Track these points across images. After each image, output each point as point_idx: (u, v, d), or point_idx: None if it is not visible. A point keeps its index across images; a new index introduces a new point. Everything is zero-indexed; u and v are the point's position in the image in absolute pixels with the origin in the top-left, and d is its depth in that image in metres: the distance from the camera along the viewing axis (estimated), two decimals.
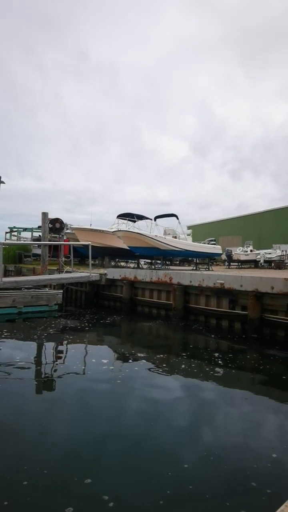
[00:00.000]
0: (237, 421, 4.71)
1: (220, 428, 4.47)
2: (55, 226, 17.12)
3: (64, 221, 18.07)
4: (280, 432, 4.40)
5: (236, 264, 23.98)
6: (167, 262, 18.29)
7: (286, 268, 21.73)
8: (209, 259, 18.53)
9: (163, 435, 4.15)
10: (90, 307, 14.03)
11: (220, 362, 7.18)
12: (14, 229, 27.27)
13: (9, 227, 27.35)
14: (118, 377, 6.18)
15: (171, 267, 18.01)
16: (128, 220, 16.66)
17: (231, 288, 10.06)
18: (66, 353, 8.13)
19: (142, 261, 18.90)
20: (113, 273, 13.84)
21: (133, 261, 19.57)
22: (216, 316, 10.61)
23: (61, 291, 13.84)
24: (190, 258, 20.19)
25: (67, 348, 8.51)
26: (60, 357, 7.80)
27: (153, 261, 17.81)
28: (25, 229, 27.53)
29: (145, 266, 17.70)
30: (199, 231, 42.92)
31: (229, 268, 22.00)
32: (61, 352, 8.29)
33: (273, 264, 22.86)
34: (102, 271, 14.68)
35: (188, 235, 18.48)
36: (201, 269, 17.48)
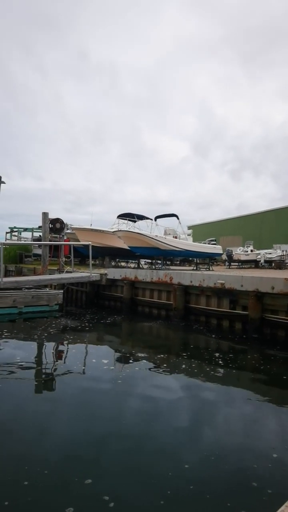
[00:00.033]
0: (237, 421, 4.70)
1: (221, 428, 4.47)
2: (56, 226, 17.14)
3: (65, 221, 18.10)
4: (281, 432, 4.40)
5: (237, 264, 23.97)
6: (167, 262, 18.29)
7: (286, 268, 21.72)
8: (209, 259, 18.53)
9: (164, 435, 4.15)
10: (90, 307, 14.03)
11: (220, 362, 7.17)
12: (15, 229, 27.28)
13: (9, 227, 27.39)
14: (119, 377, 6.17)
15: (172, 267, 18.01)
16: (129, 220, 16.65)
17: (232, 288, 10.05)
18: (66, 353, 8.13)
19: (142, 261, 18.90)
20: (113, 273, 13.84)
21: (133, 261, 19.57)
22: (217, 316, 10.61)
23: (62, 291, 13.84)
24: (190, 258, 20.18)
25: (67, 348, 8.51)
26: (61, 357, 7.80)
27: (154, 261, 17.81)
28: (25, 229, 27.55)
29: (145, 266, 17.70)
30: (200, 231, 42.90)
31: (229, 268, 21.99)
32: (62, 352, 8.29)
33: (273, 264, 22.84)
34: (102, 271, 14.69)
35: (189, 235, 18.47)
36: (201, 269, 17.48)
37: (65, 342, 8.99)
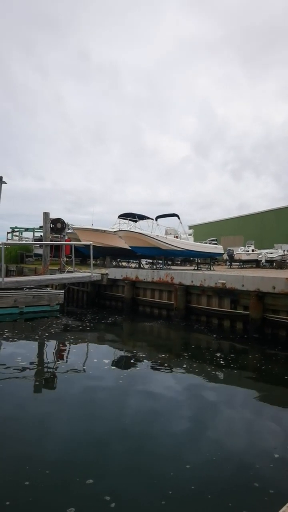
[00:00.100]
0: (239, 421, 4.70)
1: (222, 428, 4.46)
2: (57, 226, 17.14)
3: (65, 221, 18.09)
4: (282, 432, 4.39)
5: (238, 264, 23.94)
6: (168, 262, 18.28)
7: (287, 267, 21.67)
8: (210, 259, 18.51)
9: (165, 435, 4.15)
10: (91, 307, 14.03)
11: (222, 362, 7.16)
12: (16, 229, 27.30)
13: (10, 227, 27.39)
14: (120, 377, 6.17)
15: (173, 267, 17.99)
16: (130, 220, 16.65)
17: (233, 288, 10.04)
18: (67, 353, 8.13)
19: (143, 261, 18.90)
20: (114, 273, 13.84)
21: (134, 261, 19.57)
22: (218, 316, 10.59)
23: (63, 291, 13.85)
24: (191, 258, 20.17)
25: (68, 348, 8.51)
26: (62, 357, 7.80)
27: (155, 261, 17.80)
28: (26, 229, 27.55)
29: (146, 266, 17.69)
30: (200, 231, 42.88)
31: (230, 268, 21.97)
32: (63, 352, 8.29)
33: (274, 264, 22.80)
34: (103, 271, 14.68)
35: (190, 235, 18.49)
36: (202, 269, 17.46)
37: (66, 342, 8.99)
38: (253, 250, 24.89)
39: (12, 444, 3.88)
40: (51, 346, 8.62)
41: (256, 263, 24.26)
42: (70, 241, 18.56)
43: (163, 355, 7.80)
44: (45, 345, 8.62)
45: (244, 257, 23.82)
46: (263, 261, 23.53)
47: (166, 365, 7.09)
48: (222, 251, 18.90)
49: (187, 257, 19.95)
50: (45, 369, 6.80)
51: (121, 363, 7.28)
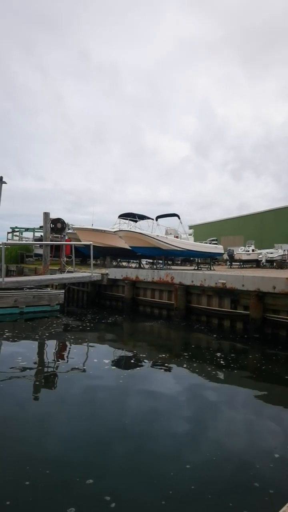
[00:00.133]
0: (239, 421, 4.70)
1: (222, 428, 4.46)
2: (57, 226, 17.14)
3: (66, 221, 18.09)
4: (282, 432, 4.39)
5: (238, 264, 23.94)
6: (168, 262, 18.28)
7: (287, 267, 21.68)
8: (210, 259, 18.52)
9: (165, 435, 4.15)
10: (91, 307, 14.03)
11: (222, 362, 7.16)
12: (16, 229, 27.30)
13: (11, 227, 27.40)
14: (120, 377, 6.17)
15: (173, 267, 18.00)
16: (130, 220, 16.65)
17: (233, 288, 10.04)
18: (67, 353, 8.13)
19: (143, 261, 18.90)
20: (114, 273, 13.84)
21: (134, 261, 19.57)
22: (218, 316, 10.59)
23: (63, 291, 13.85)
24: (191, 258, 20.17)
25: (68, 348, 8.51)
26: (62, 357, 7.81)
27: (155, 261, 17.80)
28: (27, 229, 27.55)
29: (146, 266, 17.69)
30: (200, 231, 42.89)
31: (231, 267, 21.97)
32: (63, 352, 8.29)
33: (275, 264, 22.80)
34: (103, 271, 14.68)
35: (190, 235, 18.49)
36: (202, 269, 17.47)
37: (66, 342, 9.00)
38: (253, 250, 24.89)
39: (12, 444, 3.89)
40: (51, 346, 8.62)
41: (256, 263, 24.26)
42: (70, 241, 18.56)
43: (163, 355, 7.80)
44: (45, 345, 8.62)
45: (244, 257, 23.81)
46: (263, 261, 23.52)
47: (166, 365, 7.09)
48: (222, 251, 18.90)
49: (187, 257, 19.97)
50: (45, 369, 6.81)
51: (121, 363, 7.28)
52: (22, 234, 27.83)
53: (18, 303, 12.18)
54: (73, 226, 20.38)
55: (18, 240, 27.08)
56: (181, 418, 4.66)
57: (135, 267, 16.10)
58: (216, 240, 27.52)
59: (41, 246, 19.97)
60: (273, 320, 9.21)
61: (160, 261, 16.99)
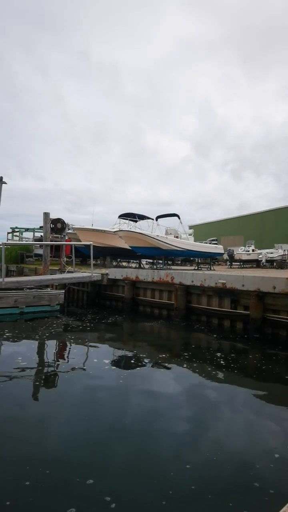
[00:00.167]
0: (239, 421, 4.70)
1: (222, 428, 4.46)
2: (57, 226, 17.14)
3: (66, 221, 18.09)
4: (283, 432, 4.39)
5: (238, 264, 23.94)
6: (168, 262, 18.28)
7: None
8: (210, 259, 18.52)
9: (165, 435, 4.15)
10: (92, 307, 14.03)
11: (222, 362, 7.16)
12: (16, 229, 27.31)
13: (11, 227, 27.42)
14: (120, 377, 6.17)
15: (173, 267, 18.00)
16: (130, 220, 16.66)
17: (233, 288, 10.04)
18: (68, 353, 8.13)
19: (143, 261, 18.90)
20: (114, 273, 13.84)
21: (134, 261, 19.57)
22: (218, 316, 10.59)
23: (63, 291, 13.84)
24: (191, 258, 20.17)
25: (69, 348, 8.51)
26: (62, 357, 7.81)
27: (155, 261, 17.80)
28: (27, 229, 27.56)
29: (146, 266, 17.69)
30: (201, 231, 42.90)
31: (231, 267, 21.97)
32: (63, 352, 8.29)
33: (275, 264, 22.80)
34: (103, 271, 14.69)
35: (190, 235, 18.48)
36: (202, 268, 17.46)
37: (66, 342, 9.00)
38: (253, 250, 24.89)
39: (12, 444, 3.89)
40: (51, 346, 8.62)
41: (256, 263, 24.26)
42: (70, 241, 18.56)
43: (164, 355, 7.80)
44: (46, 345, 8.62)
45: (244, 257, 23.81)
46: (264, 261, 23.53)
47: (166, 365, 7.09)
48: (222, 251, 18.90)
49: (187, 257, 19.98)
50: (46, 369, 6.81)
51: (121, 363, 7.28)
52: (22, 234, 27.85)
53: (18, 303, 12.18)
54: (73, 226, 20.39)
55: (18, 240, 27.11)
56: (181, 418, 4.66)
57: (135, 267, 16.10)
58: (216, 240, 27.53)
59: (41, 246, 19.97)
60: (273, 320, 9.21)
61: (160, 261, 16.99)
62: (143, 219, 16.63)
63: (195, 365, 6.98)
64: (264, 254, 23.85)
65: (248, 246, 25.71)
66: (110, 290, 14.19)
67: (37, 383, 6.01)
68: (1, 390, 5.57)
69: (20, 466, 3.43)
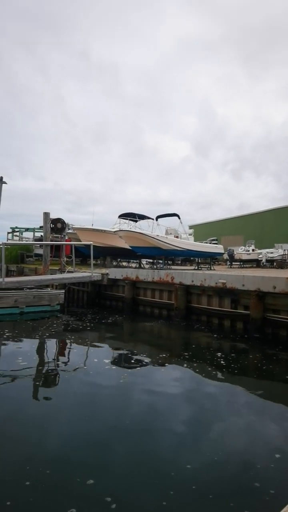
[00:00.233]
0: (239, 421, 4.69)
1: (223, 428, 4.45)
2: (57, 226, 17.13)
3: (66, 221, 18.09)
4: (283, 432, 4.38)
5: (238, 263, 23.93)
6: (168, 262, 18.27)
7: None
8: (211, 259, 18.51)
9: (166, 436, 4.14)
10: (92, 307, 14.03)
11: (222, 362, 7.16)
12: (16, 229, 27.30)
13: (11, 227, 27.41)
14: (120, 377, 6.17)
15: (173, 267, 17.99)
16: (130, 220, 16.66)
17: (233, 287, 10.03)
18: (68, 353, 8.13)
19: (144, 261, 18.90)
20: (115, 273, 13.83)
21: (135, 261, 19.57)
22: (218, 316, 10.58)
23: (63, 291, 13.84)
24: (192, 258, 20.17)
25: (69, 347, 8.51)
26: (62, 357, 7.80)
27: (155, 260, 17.80)
28: (27, 229, 27.55)
29: (147, 266, 17.69)
30: (201, 231, 42.90)
31: (231, 267, 21.96)
32: (63, 351, 8.29)
33: (275, 264, 22.80)
34: (104, 271, 14.68)
35: (190, 234, 18.48)
36: (203, 268, 17.46)
37: (66, 342, 8.99)
38: (253, 250, 24.89)
39: (12, 444, 3.88)
40: (51, 346, 8.62)
41: (256, 263, 24.26)
42: (70, 241, 18.55)
43: (164, 355, 7.80)
44: (46, 345, 8.61)
45: (245, 257, 23.83)
46: (264, 260, 23.53)
47: (166, 365, 7.09)
48: (222, 251, 18.90)
49: (187, 257, 19.98)
50: (46, 369, 6.80)
51: (122, 363, 7.28)
52: (22, 234, 27.83)
53: (18, 303, 12.17)
54: (73, 226, 20.39)
55: (18, 240, 27.09)
56: (181, 418, 4.66)
57: (135, 267, 16.10)
58: (216, 240, 27.52)
59: (41, 246, 19.96)
60: (274, 320, 9.20)
61: (160, 261, 16.98)
62: (143, 219, 16.63)
63: (195, 365, 6.98)
64: (264, 254, 23.86)
65: (248, 246, 25.72)
66: (110, 290, 14.19)
67: (37, 383, 6.00)
68: (1, 390, 5.57)
69: (20, 466, 3.42)
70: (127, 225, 16.62)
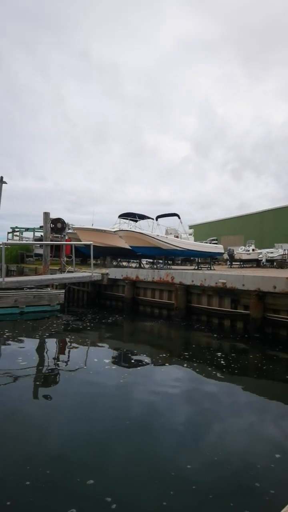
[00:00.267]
0: (239, 421, 4.69)
1: (223, 428, 4.45)
2: (57, 226, 17.12)
3: (66, 221, 18.08)
4: (283, 432, 4.38)
5: (238, 263, 23.92)
6: (169, 262, 18.26)
7: None
8: (211, 259, 18.50)
9: (166, 436, 4.14)
10: (92, 307, 14.03)
11: (222, 362, 7.16)
12: (16, 229, 27.30)
13: (11, 227, 27.40)
14: (121, 377, 6.17)
15: (173, 267, 17.99)
16: (130, 219, 16.65)
17: (233, 287, 10.03)
18: (68, 353, 8.13)
19: (144, 261, 18.89)
20: (115, 273, 13.83)
21: (135, 261, 19.55)
22: (218, 316, 10.58)
23: (63, 291, 13.84)
24: (192, 258, 20.16)
25: (69, 347, 8.51)
26: (62, 357, 7.80)
27: (155, 260, 17.79)
28: (27, 229, 27.55)
29: (147, 266, 17.68)
30: (201, 231, 42.90)
31: (231, 267, 21.96)
32: (63, 351, 8.29)
33: (275, 263, 22.79)
34: (104, 271, 14.68)
35: (190, 234, 18.46)
36: (203, 268, 17.45)
37: (66, 342, 8.99)
38: (253, 250, 24.88)
39: (12, 444, 3.88)
40: (51, 346, 8.62)
41: (256, 263, 24.25)
42: (70, 241, 18.55)
43: (164, 355, 7.80)
44: (46, 345, 8.62)
45: (245, 257, 23.81)
46: (264, 260, 23.51)
47: (166, 364, 7.09)
48: (222, 251, 18.88)
49: (187, 256, 19.96)
50: (46, 369, 6.80)
51: (122, 363, 7.28)
52: (22, 234, 27.82)
53: (18, 303, 12.17)
54: (73, 226, 20.37)
55: (18, 240, 27.08)
56: (181, 418, 4.66)
57: (135, 267, 16.09)
58: (216, 239, 27.51)
59: (41, 246, 19.96)
60: (274, 319, 9.20)
61: (160, 261, 16.97)
62: (143, 218, 16.62)
63: (195, 364, 6.98)
64: (264, 253, 23.84)
65: (248, 246, 25.70)
66: (110, 290, 14.19)
67: (37, 382, 6.00)
68: (1, 390, 5.56)
69: (20, 466, 3.42)
70: (127, 225, 16.61)
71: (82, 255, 20.67)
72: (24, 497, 2.99)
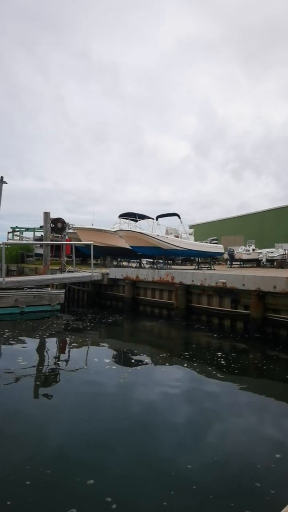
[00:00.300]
0: (240, 421, 4.68)
1: (223, 428, 4.45)
2: (57, 225, 17.12)
3: (66, 221, 18.08)
4: (284, 433, 4.38)
5: (238, 263, 23.92)
6: (169, 262, 18.26)
7: None
8: (211, 259, 18.50)
9: (166, 436, 4.14)
10: (92, 307, 14.03)
11: (222, 362, 7.16)
12: (16, 229, 27.30)
13: (11, 227, 27.40)
14: (121, 376, 6.17)
15: (173, 267, 17.98)
16: (130, 219, 16.65)
17: (233, 287, 10.02)
18: (68, 353, 8.13)
19: (144, 261, 18.89)
20: (115, 273, 13.83)
21: (135, 261, 19.56)
22: (218, 316, 10.58)
23: (63, 290, 13.84)
24: (192, 258, 20.16)
25: (69, 347, 8.51)
26: (62, 357, 7.80)
27: (155, 260, 17.78)
28: (27, 229, 27.55)
29: (147, 266, 17.68)
30: (201, 231, 42.87)
31: (231, 267, 21.95)
32: (63, 351, 8.29)
33: (275, 263, 22.79)
34: (104, 270, 14.67)
35: (190, 234, 18.45)
36: (203, 268, 17.45)
37: (67, 342, 8.99)
38: (253, 250, 24.87)
39: (12, 444, 3.88)
40: (51, 346, 8.62)
41: (256, 263, 24.24)
42: (70, 241, 18.55)
43: (164, 355, 7.80)
44: (46, 344, 8.61)
45: (245, 257, 23.80)
46: (264, 260, 23.50)
47: (167, 364, 7.09)
48: (222, 251, 18.88)
49: (187, 256, 19.96)
50: (46, 369, 6.80)
51: (122, 363, 7.28)
52: (22, 234, 27.82)
53: (18, 303, 12.17)
54: (74, 226, 20.37)
55: (18, 240, 27.08)
56: (181, 418, 4.66)
57: (136, 267, 16.09)
58: (217, 239, 27.49)
59: (41, 246, 19.96)
60: (274, 319, 9.20)
61: (161, 261, 16.97)
62: (143, 218, 16.62)
63: (195, 364, 6.98)
64: (265, 253, 23.83)
65: (248, 246, 25.69)
66: (111, 290, 14.19)
67: (38, 382, 6.00)
68: (1, 390, 5.56)
69: (20, 466, 3.42)
70: (127, 225, 16.61)
71: (82, 255, 20.67)
72: (24, 497, 2.99)
